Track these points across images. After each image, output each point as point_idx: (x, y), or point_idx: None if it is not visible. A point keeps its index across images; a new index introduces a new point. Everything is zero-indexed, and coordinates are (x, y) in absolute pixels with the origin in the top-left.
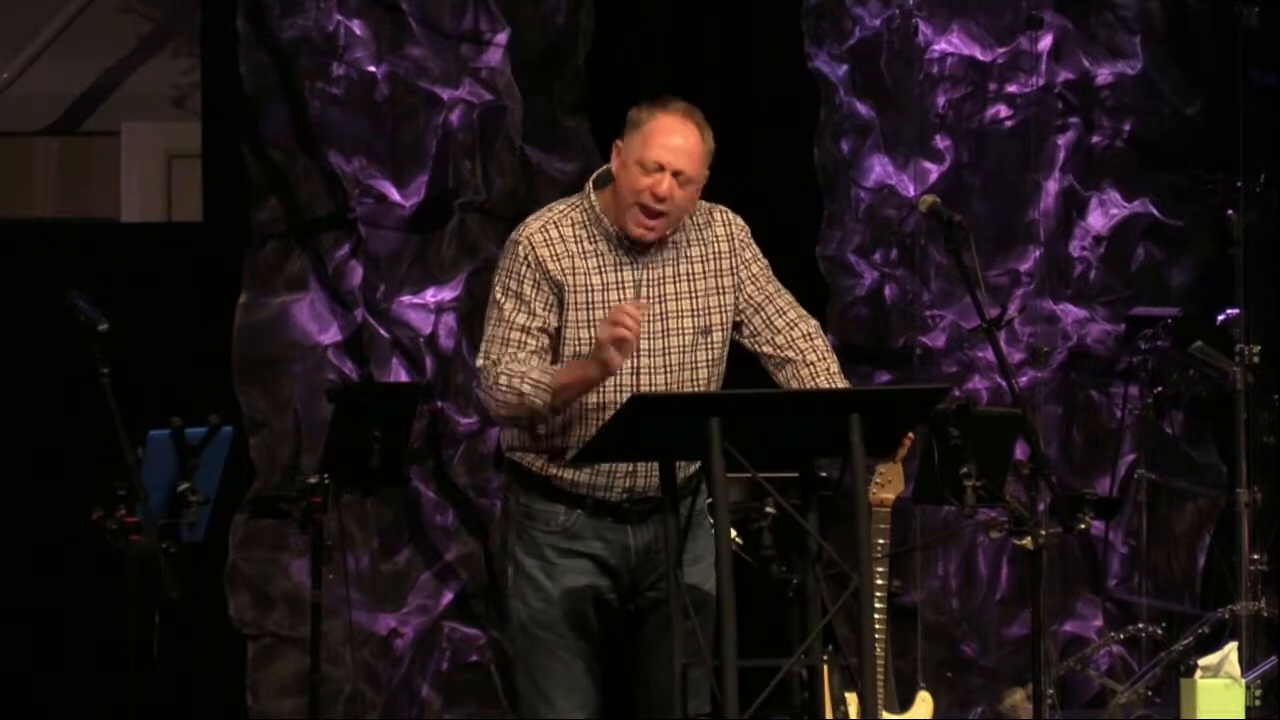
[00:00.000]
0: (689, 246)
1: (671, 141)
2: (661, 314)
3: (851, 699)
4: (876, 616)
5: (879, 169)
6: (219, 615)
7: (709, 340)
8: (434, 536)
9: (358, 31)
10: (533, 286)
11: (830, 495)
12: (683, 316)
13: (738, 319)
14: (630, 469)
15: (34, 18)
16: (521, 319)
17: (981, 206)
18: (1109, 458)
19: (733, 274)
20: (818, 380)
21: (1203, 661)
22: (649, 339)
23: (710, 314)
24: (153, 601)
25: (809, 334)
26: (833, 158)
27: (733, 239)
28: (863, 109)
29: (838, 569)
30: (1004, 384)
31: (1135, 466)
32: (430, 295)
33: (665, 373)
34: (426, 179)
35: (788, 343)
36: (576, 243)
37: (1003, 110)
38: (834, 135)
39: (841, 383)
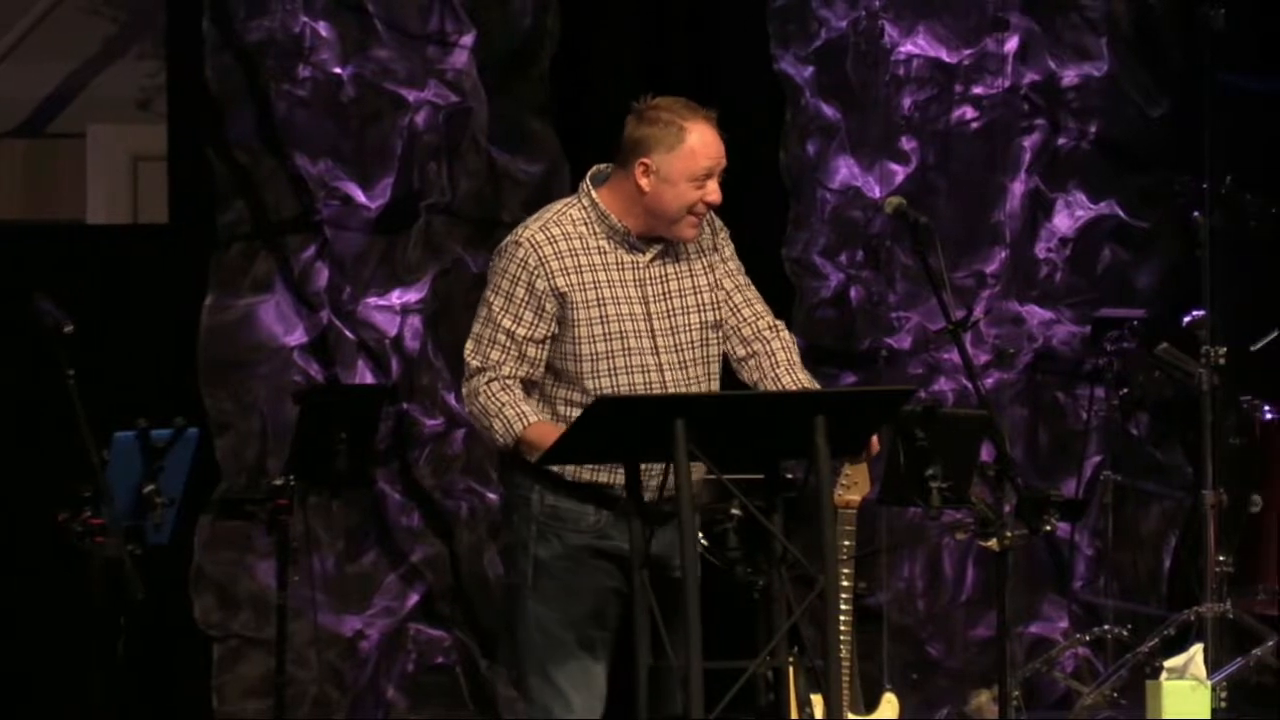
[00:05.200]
0: (684, 243)
1: (713, 146)
2: (669, 310)
3: (817, 701)
4: (842, 618)
5: (845, 171)
6: (184, 617)
7: (719, 335)
8: (399, 538)
9: (323, 33)
10: (526, 290)
11: (795, 497)
12: (689, 313)
13: None
14: (664, 468)
15: None
16: (507, 322)
17: (947, 208)
18: (1074, 459)
19: (714, 269)
20: (778, 372)
21: (1168, 663)
22: (664, 335)
23: (718, 308)
24: (118, 604)
25: (774, 325)
26: (798, 159)
27: (715, 235)
28: (828, 110)
29: (803, 570)
30: (970, 385)
31: (1101, 468)
32: (396, 297)
33: (681, 369)
34: (392, 181)
35: (754, 334)
36: (580, 239)
37: (969, 112)
38: (800, 137)
39: (803, 374)
